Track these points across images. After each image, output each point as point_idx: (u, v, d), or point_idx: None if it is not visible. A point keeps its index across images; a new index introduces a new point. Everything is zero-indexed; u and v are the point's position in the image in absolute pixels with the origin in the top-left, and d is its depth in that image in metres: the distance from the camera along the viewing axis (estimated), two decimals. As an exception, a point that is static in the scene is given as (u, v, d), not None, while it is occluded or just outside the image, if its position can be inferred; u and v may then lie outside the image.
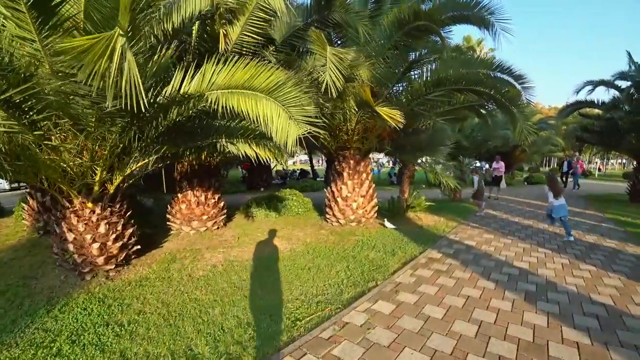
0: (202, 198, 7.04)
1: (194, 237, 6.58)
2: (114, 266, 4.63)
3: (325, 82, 4.05)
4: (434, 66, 5.77)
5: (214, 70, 3.68)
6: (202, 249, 5.68)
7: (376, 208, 7.71)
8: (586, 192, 15.50)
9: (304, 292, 3.89)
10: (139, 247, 5.04)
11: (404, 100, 5.79)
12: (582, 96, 13.95)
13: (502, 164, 11.98)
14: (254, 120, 3.52)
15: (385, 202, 8.59)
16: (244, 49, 5.45)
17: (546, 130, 20.68)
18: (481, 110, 6.99)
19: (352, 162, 7.33)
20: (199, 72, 3.79)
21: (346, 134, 7.05)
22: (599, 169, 37.23)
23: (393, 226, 6.74)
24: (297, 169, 22.76)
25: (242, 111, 3.54)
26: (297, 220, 8.14)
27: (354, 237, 6.42)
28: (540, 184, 19.91)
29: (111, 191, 4.71)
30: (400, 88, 5.81)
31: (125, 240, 4.82)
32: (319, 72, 5.86)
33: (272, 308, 3.50)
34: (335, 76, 4.03)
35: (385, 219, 6.98)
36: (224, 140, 4.37)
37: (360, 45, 5.85)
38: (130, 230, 4.94)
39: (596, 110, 13.69)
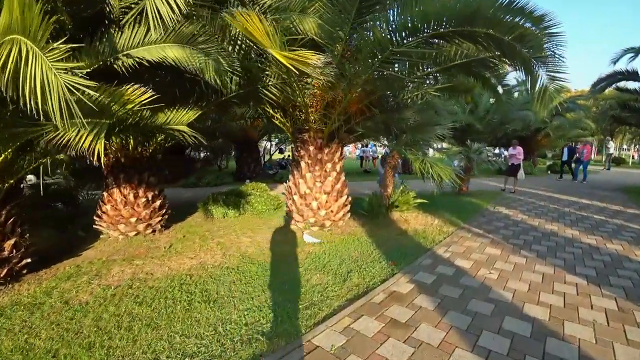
0: (131, 197, 5.60)
1: (122, 243, 5.27)
2: (-15, 287, 3.42)
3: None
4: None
5: None
6: (118, 260, 4.36)
7: (348, 208, 5.97)
8: (623, 183, 13.18)
9: (153, 356, 2.35)
10: (28, 260, 3.88)
11: (362, 57, 3.97)
12: (620, 67, 11.55)
13: (519, 149, 9.90)
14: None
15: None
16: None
17: (574, 112, 18.20)
18: (485, 74, 5.07)
19: (311, 148, 5.59)
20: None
21: (301, 110, 5.30)
22: (633, 157, 33.73)
23: (315, 240, 5.02)
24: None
25: None
26: (257, 220, 6.55)
27: (308, 247, 4.78)
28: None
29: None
30: (358, 40, 4.01)
31: (5, 254, 3.65)
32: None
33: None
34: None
35: (305, 232, 5.27)
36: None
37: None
38: (12, 242, 3.74)
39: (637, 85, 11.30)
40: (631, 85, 11.63)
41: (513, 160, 9.88)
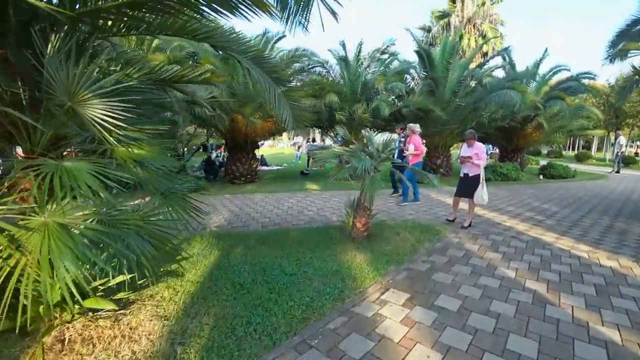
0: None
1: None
2: None
3: None
4: None
5: None
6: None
7: None
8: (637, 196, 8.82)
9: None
10: None
11: None
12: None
13: (479, 147, 5.41)
14: None
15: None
16: None
17: (575, 96, 13.74)
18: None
19: None
20: None
21: None
22: (637, 154, 29.15)
23: None
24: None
25: None
26: None
27: None
28: (566, 178, 13.02)
29: None
30: None
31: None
32: None
33: None
34: None
35: None
36: None
37: None
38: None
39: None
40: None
41: (466, 169, 5.45)
